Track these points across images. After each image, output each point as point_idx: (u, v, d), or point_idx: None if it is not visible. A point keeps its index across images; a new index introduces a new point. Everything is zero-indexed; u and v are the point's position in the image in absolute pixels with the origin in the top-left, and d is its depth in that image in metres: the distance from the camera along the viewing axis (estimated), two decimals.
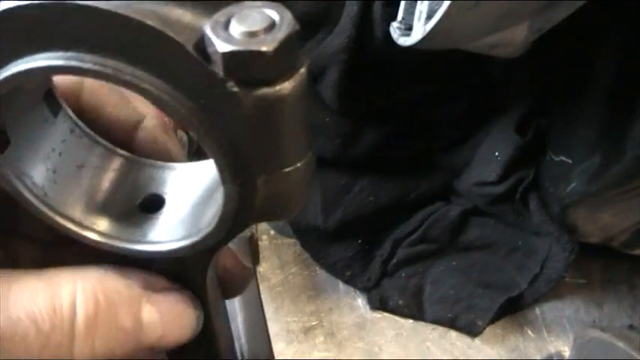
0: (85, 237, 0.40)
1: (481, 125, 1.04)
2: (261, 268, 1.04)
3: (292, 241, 1.07)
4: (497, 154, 1.00)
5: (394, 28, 0.87)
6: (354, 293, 1.05)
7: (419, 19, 0.77)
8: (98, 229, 0.41)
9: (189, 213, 0.42)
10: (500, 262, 1.07)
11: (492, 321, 1.04)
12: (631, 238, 1.02)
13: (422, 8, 0.76)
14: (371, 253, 1.05)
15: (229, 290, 0.50)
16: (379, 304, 1.03)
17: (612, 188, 0.90)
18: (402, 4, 0.86)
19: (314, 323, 1.02)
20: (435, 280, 1.05)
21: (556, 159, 0.95)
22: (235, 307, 0.89)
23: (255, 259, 1.00)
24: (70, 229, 0.40)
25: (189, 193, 0.43)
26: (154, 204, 0.44)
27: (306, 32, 0.96)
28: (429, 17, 0.74)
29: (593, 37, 0.88)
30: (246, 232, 0.97)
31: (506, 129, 0.99)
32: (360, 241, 1.05)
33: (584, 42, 0.90)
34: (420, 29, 0.75)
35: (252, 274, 0.49)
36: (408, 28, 0.85)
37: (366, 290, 1.04)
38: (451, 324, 1.03)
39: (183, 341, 0.41)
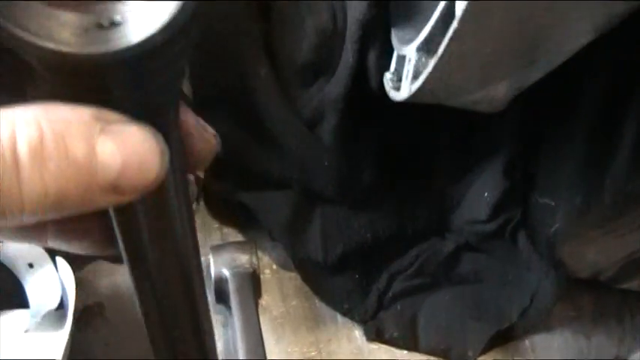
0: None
1: (473, 166, 1.10)
2: (264, 301, 1.10)
3: (294, 274, 1.12)
4: (486, 194, 1.05)
5: (387, 80, 0.92)
6: (351, 325, 1.10)
7: (406, 77, 0.83)
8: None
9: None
10: (492, 295, 1.12)
11: (484, 351, 1.09)
12: (617, 273, 1.08)
13: (409, 67, 0.82)
14: (368, 286, 1.11)
15: (193, 161, 0.42)
16: (375, 335, 1.09)
17: (593, 229, 0.96)
18: (394, 56, 0.92)
19: (313, 353, 1.07)
20: (429, 312, 1.10)
21: (541, 201, 1.01)
22: (236, 336, 0.95)
23: (258, 292, 1.06)
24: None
25: None
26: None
27: (306, 81, 1.02)
28: (415, 77, 0.79)
29: (574, 88, 0.94)
30: (249, 268, 1.04)
31: (494, 172, 1.05)
32: (357, 275, 1.10)
33: (566, 92, 0.95)
34: (407, 88, 0.81)
35: (217, 142, 0.41)
36: (399, 79, 0.91)
37: (363, 322, 1.10)
38: (444, 355, 1.08)
39: (148, 184, 0.35)
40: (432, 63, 0.73)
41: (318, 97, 1.02)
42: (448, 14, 0.69)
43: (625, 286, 1.12)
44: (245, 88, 1.04)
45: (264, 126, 1.05)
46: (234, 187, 1.10)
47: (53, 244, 0.42)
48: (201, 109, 1.07)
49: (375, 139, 1.07)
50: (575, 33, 0.71)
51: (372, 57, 0.97)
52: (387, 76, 0.92)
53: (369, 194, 1.10)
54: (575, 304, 1.16)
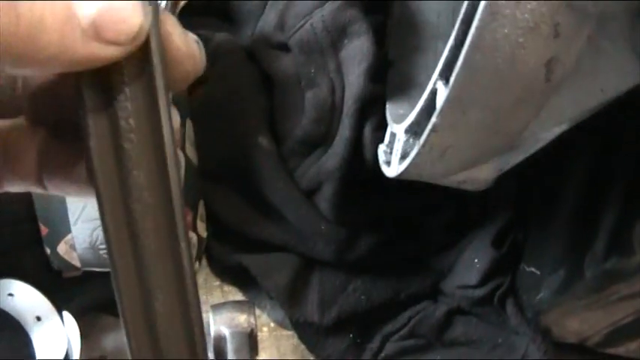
0: None
1: (466, 233, 1.14)
2: (260, 358, 1.14)
3: (291, 333, 1.16)
4: (476, 261, 1.10)
5: (381, 152, 0.97)
6: None
7: (395, 155, 0.88)
8: None
9: None
10: (482, 357, 1.16)
11: None
12: (603, 339, 1.11)
13: (398, 147, 0.87)
14: (362, 346, 1.15)
15: (176, 74, 0.40)
16: None
17: (576, 300, 1.00)
18: (388, 130, 0.97)
19: None
20: None
21: (527, 270, 1.05)
22: None
23: (255, 351, 1.10)
24: None
25: None
26: None
27: (305, 151, 1.07)
28: (403, 157, 0.84)
29: (560, 170, 0.99)
30: (247, 327, 1.08)
31: (484, 240, 1.09)
32: (352, 335, 1.15)
33: (554, 172, 1.00)
34: (396, 166, 0.86)
35: (200, 48, 0.38)
36: (391, 153, 0.95)
37: None
38: None
39: (131, 34, 0.33)
40: (415, 150, 0.78)
41: (315, 168, 1.07)
42: (431, 104, 0.75)
43: (611, 351, 1.15)
44: (246, 158, 1.10)
45: (264, 194, 1.10)
46: (235, 250, 1.15)
47: (52, 189, 0.43)
48: (206, 177, 1.14)
49: (371, 208, 1.11)
50: (549, 126, 0.76)
51: (367, 130, 1.02)
52: (381, 148, 0.97)
53: (364, 260, 1.14)
54: None
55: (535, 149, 0.82)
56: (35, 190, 0.44)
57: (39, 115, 0.43)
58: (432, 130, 0.73)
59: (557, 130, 0.79)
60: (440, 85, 0.72)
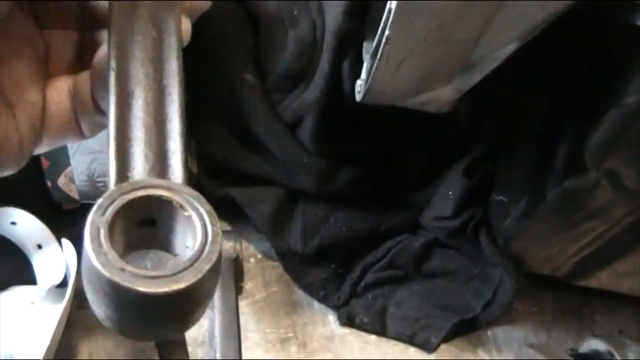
0: None
1: (441, 168, 1.20)
2: (247, 286, 1.20)
3: (276, 263, 1.22)
4: (450, 193, 1.15)
5: (357, 85, 1.03)
6: (326, 310, 1.21)
7: (363, 80, 0.93)
8: None
9: None
10: (458, 288, 1.22)
11: (448, 340, 1.19)
12: (573, 269, 1.17)
13: (365, 72, 0.92)
14: (343, 276, 1.21)
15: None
16: (347, 320, 1.18)
17: (541, 223, 1.05)
18: (364, 64, 1.03)
19: (289, 335, 1.17)
20: (398, 301, 1.20)
21: (497, 198, 1.11)
22: (215, 312, 1.05)
23: (239, 276, 1.17)
24: None
25: None
26: None
27: (288, 86, 1.13)
28: (367, 80, 0.90)
29: (525, 104, 1.04)
30: (232, 253, 1.14)
31: (457, 172, 1.15)
32: (334, 265, 1.20)
33: (520, 107, 1.06)
34: (362, 89, 0.92)
35: None
36: None
37: (336, 308, 1.19)
38: (410, 340, 1.18)
39: None
40: (375, 65, 0.83)
41: (297, 102, 1.12)
42: (386, 24, 0.80)
43: (583, 283, 1.20)
44: (233, 94, 1.15)
45: (250, 128, 1.16)
46: (224, 183, 1.21)
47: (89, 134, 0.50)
48: (195, 113, 1.20)
49: (351, 141, 1.17)
50: (499, 43, 0.81)
51: (346, 65, 1.07)
52: (358, 82, 1.02)
53: (345, 192, 1.20)
54: (536, 300, 1.25)
55: (490, 69, 0.87)
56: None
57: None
58: (386, 42, 0.79)
59: (508, 49, 0.84)
60: (392, 2, 0.77)
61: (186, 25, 0.49)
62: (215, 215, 0.40)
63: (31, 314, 1.08)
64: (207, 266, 0.37)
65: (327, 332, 1.18)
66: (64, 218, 1.20)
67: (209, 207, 0.40)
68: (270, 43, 1.16)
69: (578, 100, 0.95)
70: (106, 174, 1.12)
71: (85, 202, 1.18)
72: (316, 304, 1.21)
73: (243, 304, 1.18)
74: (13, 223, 1.15)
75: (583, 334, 1.22)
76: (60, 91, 0.49)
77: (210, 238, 0.38)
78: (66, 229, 1.15)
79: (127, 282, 0.35)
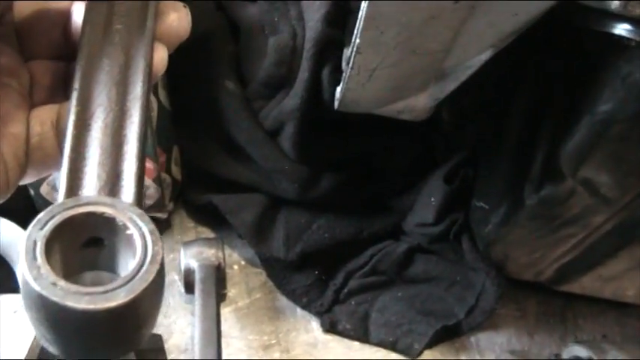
0: None
1: (424, 174, 1.20)
2: (231, 293, 1.21)
3: (259, 270, 1.23)
4: (432, 199, 1.16)
5: (337, 92, 1.03)
6: (309, 317, 1.21)
7: (338, 88, 0.94)
8: None
9: None
10: (441, 293, 1.22)
11: (431, 346, 1.19)
12: (555, 275, 1.17)
13: (342, 80, 0.93)
14: (326, 282, 1.21)
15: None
16: (330, 327, 1.18)
17: (520, 229, 1.05)
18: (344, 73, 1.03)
19: (273, 342, 1.18)
20: (381, 307, 1.20)
21: (477, 205, 1.11)
22: (195, 319, 1.05)
23: (221, 283, 1.17)
24: None
25: None
26: None
27: (268, 94, 1.13)
28: (342, 89, 0.90)
29: (505, 107, 1.04)
30: (215, 261, 1.14)
31: (438, 179, 1.15)
32: (317, 272, 1.21)
33: (498, 116, 1.06)
34: (338, 97, 0.92)
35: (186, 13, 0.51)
36: None
37: (319, 314, 1.19)
38: (392, 346, 1.18)
39: None
40: (347, 74, 0.84)
41: (278, 109, 1.12)
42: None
43: (566, 288, 1.20)
44: (215, 101, 1.16)
45: (231, 135, 1.16)
46: (207, 190, 1.22)
47: None
48: (178, 121, 1.20)
49: (332, 148, 1.17)
50: (472, 52, 0.82)
51: (325, 72, 1.07)
52: (338, 89, 1.03)
53: (327, 199, 1.20)
54: (519, 304, 1.25)
55: (465, 77, 0.88)
56: None
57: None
58: (357, 51, 0.79)
59: (482, 58, 0.84)
60: (362, 11, 0.77)
61: (161, 53, 0.49)
62: (158, 234, 0.39)
63: (14, 323, 1.08)
64: (142, 286, 0.37)
65: (310, 339, 1.19)
66: None
67: (152, 226, 0.39)
68: (251, 50, 1.16)
69: (555, 107, 0.95)
70: None
71: None
72: (299, 310, 1.21)
73: (227, 311, 1.19)
74: None
75: (567, 339, 1.22)
76: (43, 122, 0.48)
77: (149, 258, 0.38)
78: None
79: (56, 297, 0.35)
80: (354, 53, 0.80)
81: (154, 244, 0.38)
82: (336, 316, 1.19)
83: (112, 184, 0.42)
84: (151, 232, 0.39)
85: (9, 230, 1.15)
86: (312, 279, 1.20)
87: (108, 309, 0.35)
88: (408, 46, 0.78)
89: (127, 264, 0.40)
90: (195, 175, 1.24)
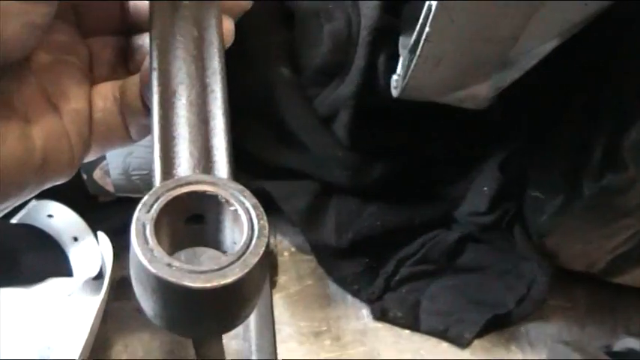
0: None
1: (476, 163, 1.20)
2: (281, 280, 1.21)
3: (310, 257, 1.23)
4: (485, 188, 1.15)
5: (393, 81, 1.03)
6: (359, 304, 1.21)
7: (399, 75, 0.93)
8: None
9: None
10: (492, 283, 1.21)
11: (481, 335, 1.18)
12: (608, 266, 1.16)
13: (403, 67, 0.92)
14: (377, 270, 1.21)
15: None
16: (381, 314, 1.19)
17: (577, 220, 1.05)
18: (400, 60, 1.03)
19: (323, 328, 1.18)
20: (431, 296, 1.20)
21: (532, 194, 1.10)
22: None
23: (274, 270, 1.17)
24: None
25: None
26: None
27: (323, 81, 1.13)
28: (405, 75, 0.90)
29: (562, 93, 1.03)
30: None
31: (492, 168, 1.14)
32: (367, 259, 1.21)
33: (556, 101, 1.05)
34: (400, 85, 0.92)
35: None
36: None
37: (369, 302, 1.20)
38: (443, 335, 1.18)
39: None
40: (413, 62, 0.83)
41: (332, 96, 1.12)
42: (426, 21, 0.80)
43: (618, 280, 1.20)
44: (268, 88, 1.16)
45: (284, 122, 1.16)
46: (258, 177, 1.22)
47: (137, 138, 0.51)
48: (231, 107, 1.20)
49: (386, 135, 1.17)
50: (539, 40, 0.81)
51: (381, 60, 1.07)
52: (393, 77, 1.02)
53: (379, 187, 1.20)
54: (570, 295, 1.25)
55: (529, 66, 0.87)
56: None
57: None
58: (426, 39, 0.79)
59: (548, 46, 0.83)
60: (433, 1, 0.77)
61: (228, 24, 0.50)
62: (261, 209, 0.40)
63: (68, 306, 1.10)
64: (254, 260, 0.37)
65: (360, 326, 1.19)
66: (100, 211, 1.21)
67: (255, 200, 0.40)
68: (305, 37, 1.16)
69: (617, 95, 0.95)
70: (141, 167, 1.13)
71: (120, 195, 1.18)
72: (349, 297, 1.21)
73: (277, 298, 1.19)
74: (50, 216, 1.16)
75: (617, 331, 1.22)
76: (105, 97, 0.49)
77: (256, 232, 0.38)
78: (101, 222, 1.16)
79: (173, 277, 0.36)
80: (422, 41, 0.79)
81: (259, 218, 0.39)
82: (387, 304, 1.19)
83: (205, 161, 0.43)
84: (254, 207, 0.40)
85: (62, 214, 1.16)
86: (363, 266, 1.21)
87: (224, 285, 0.36)
88: (479, 34, 0.77)
89: (232, 240, 0.41)
90: (246, 161, 1.24)
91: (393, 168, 1.19)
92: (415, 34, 0.85)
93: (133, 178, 1.13)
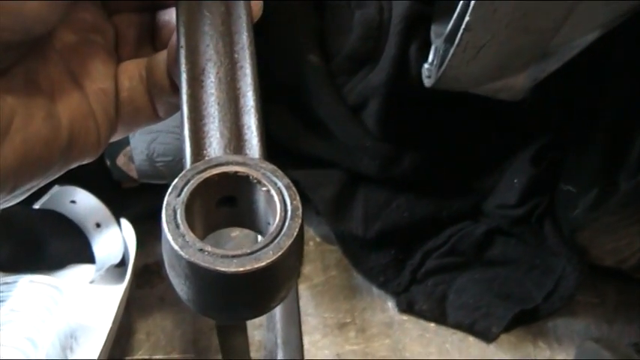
0: None
1: (506, 155, 1.18)
2: (306, 270, 1.20)
3: (335, 247, 1.21)
4: (515, 181, 1.13)
5: (424, 69, 1.01)
6: (385, 296, 1.19)
7: (434, 65, 0.92)
8: None
9: None
10: (519, 277, 1.19)
11: (508, 330, 1.16)
12: (639, 262, 1.14)
13: (438, 57, 0.90)
14: (403, 262, 1.19)
15: None
16: (407, 307, 1.17)
17: (611, 216, 1.03)
18: (432, 49, 1.01)
19: (348, 320, 1.16)
20: (458, 289, 1.18)
21: (564, 188, 1.08)
22: None
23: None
24: None
25: None
26: None
27: (353, 68, 1.12)
28: (441, 65, 0.88)
29: (597, 86, 1.01)
30: None
31: (524, 160, 1.12)
32: (394, 251, 1.19)
33: (592, 92, 1.03)
34: (435, 74, 0.90)
35: None
36: (433, 66, 0.99)
37: (395, 294, 1.18)
38: (469, 329, 1.16)
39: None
40: (451, 51, 0.81)
41: (362, 84, 1.11)
42: (466, 10, 0.78)
43: None
44: (297, 75, 1.14)
45: (312, 110, 1.15)
46: (285, 165, 1.20)
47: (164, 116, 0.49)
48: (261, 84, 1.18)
49: (415, 125, 1.15)
50: (581, 31, 0.79)
51: (413, 48, 1.06)
52: (425, 66, 1.01)
53: (408, 177, 1.18)
54: (598, 291, 1.22)
55: (569, 57, 0.85)
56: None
57: None
58: (466, 28, 0.77)
59: (589, 38, 0.82)
60: None
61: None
62: (294, 189, 0.39)
63: (90, 293, 1.09)
64: (289, 242, 0.36)
65: (385, 318, 1.17)
66: (123, 197, 1.20)
67: (287, 180, 0.39)
68: (336, 24, 1.14)
69: None
70: (165, 154, 1.11)
71: (144, 181, 1.17)
72: (375, 289, 1.20)
73: (302, 288, 1.18)
74: (73, 202, 1.15)
75: None
76: (131, 76, 0.48)
77: (290, 213, 0.37)
78: (125, 209, 1.15)
79: (206, 263, 0.35)
80: (461, 30, 0.77)
81: (292, 198, 0.38)
82: (413, 297, 1.17)
83: (236, 140, 0.42)
84: (287, 187, 0.39)
85: (85, 200, 1.15)
86: (389, 258, 1.19)
87: (258, 269, 0.35)
88: (520, 24, 0.75)
89: (266, 221, 0.40)
90: (273, 149, 1.22)
91: (423, 159, 1.17)
92: (452, 22, 0.83)
93: (157, 164, 1.12)
